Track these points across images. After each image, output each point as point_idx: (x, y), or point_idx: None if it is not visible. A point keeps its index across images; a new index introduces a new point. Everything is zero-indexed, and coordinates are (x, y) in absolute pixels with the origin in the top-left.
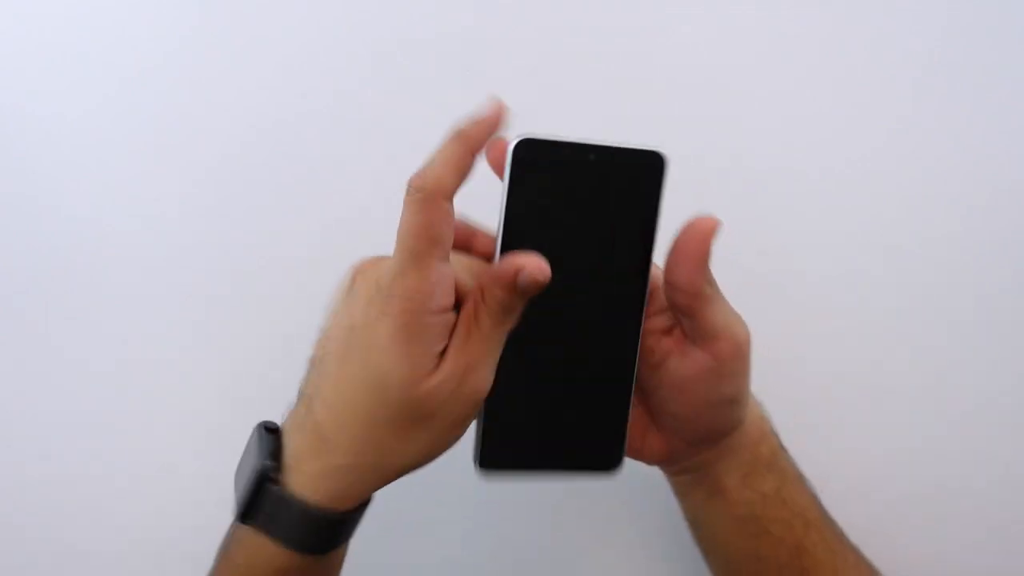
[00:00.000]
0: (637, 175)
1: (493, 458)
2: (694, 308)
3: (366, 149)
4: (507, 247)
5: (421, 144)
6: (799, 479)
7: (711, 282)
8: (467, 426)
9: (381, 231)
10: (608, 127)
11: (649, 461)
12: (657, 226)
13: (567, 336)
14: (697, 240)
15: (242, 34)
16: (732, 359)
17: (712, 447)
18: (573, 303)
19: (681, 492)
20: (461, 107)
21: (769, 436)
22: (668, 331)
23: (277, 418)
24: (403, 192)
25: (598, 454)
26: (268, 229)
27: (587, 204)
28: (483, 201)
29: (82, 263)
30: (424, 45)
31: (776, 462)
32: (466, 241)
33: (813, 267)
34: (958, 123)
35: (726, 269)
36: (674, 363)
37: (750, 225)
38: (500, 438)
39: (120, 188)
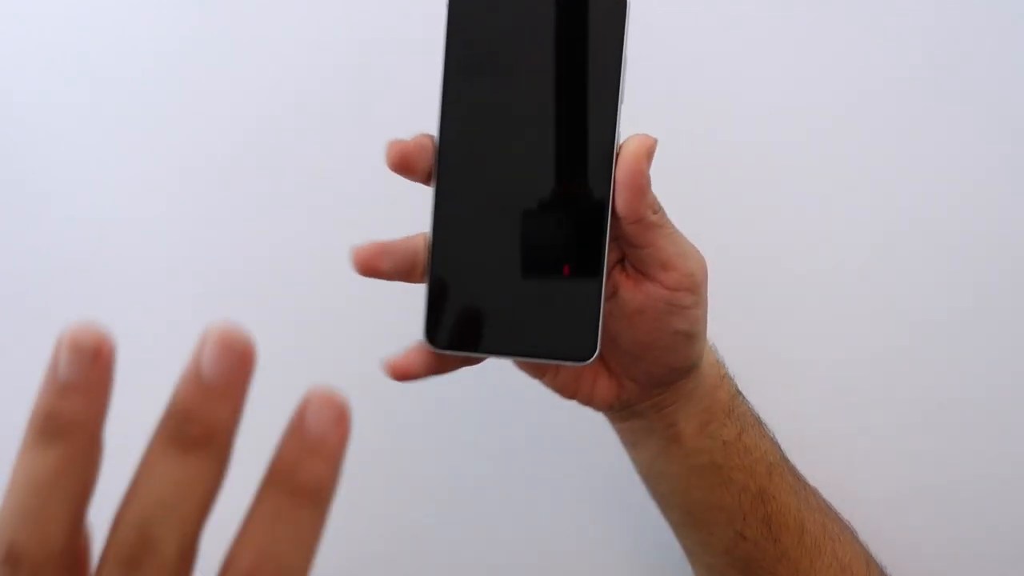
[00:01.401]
0: (594, 18)
1: (444, 336)
2: (640, 237)
3: (367, 149)
4: (447, 105)
5: None
6: (758, 423)
7: (656, 209)
8: None
9: (382, 231)
10: None
11: (600, 405)
12: (621, 75)
13: (519, 202)
14: (630, 164)
15: (242, 34)
16: (684, 291)
17: (666, 390)
18: (527, 168)
19: (634, 443)
20: None
21: (726, 380)
22: (619, 262)
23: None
24: (403, 189)
25: (570, 341)
26: (269, 229)
27: (537, 52)
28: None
29: (82, 263)
30: (424, 45)
31: (735, 407)
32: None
33: (812, 266)
34: (957, 123)
35: (726, 265)
36: (625, 294)
37: (748, 223)
38: (453, 317)
39: (120, 188)
